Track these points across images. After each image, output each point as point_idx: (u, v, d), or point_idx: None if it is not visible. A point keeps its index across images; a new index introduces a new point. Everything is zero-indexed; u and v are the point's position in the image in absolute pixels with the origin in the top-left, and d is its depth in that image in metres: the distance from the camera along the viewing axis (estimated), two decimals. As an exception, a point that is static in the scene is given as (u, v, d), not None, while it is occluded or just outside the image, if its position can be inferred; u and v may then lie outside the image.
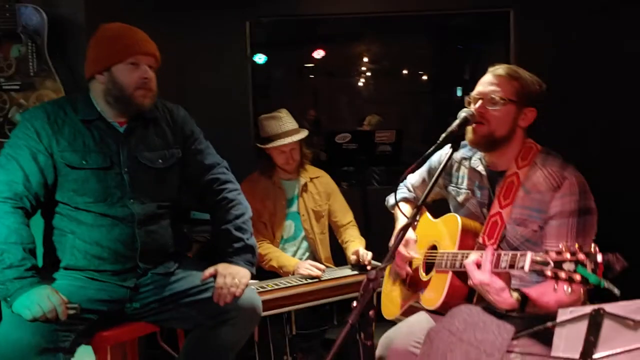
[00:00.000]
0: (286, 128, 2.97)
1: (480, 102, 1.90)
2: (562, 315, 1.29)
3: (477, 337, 1.27)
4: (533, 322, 1.59)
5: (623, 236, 2.22)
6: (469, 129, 1.91)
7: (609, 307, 1.28)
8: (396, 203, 2.27)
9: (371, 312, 1.50)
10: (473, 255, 1.78)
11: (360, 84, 7.82)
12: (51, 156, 2.05)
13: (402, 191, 2.46)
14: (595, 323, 1.29)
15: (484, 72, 1.99)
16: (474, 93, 1.94)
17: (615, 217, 1.92)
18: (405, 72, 7.73)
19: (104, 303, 2.06)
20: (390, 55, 7.48)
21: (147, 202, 2.15)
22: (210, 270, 2.17)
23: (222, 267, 2.16)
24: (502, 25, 3.99)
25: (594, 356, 1.32)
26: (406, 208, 2.41)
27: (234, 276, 2.12)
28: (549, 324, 1.31)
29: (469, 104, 1.95)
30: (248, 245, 2.25)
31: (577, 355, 1.32)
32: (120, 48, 2.07)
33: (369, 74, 7.71)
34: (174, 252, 2.26)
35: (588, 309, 1.28)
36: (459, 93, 6.90)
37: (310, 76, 7.89)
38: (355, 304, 1.49)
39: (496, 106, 1.88)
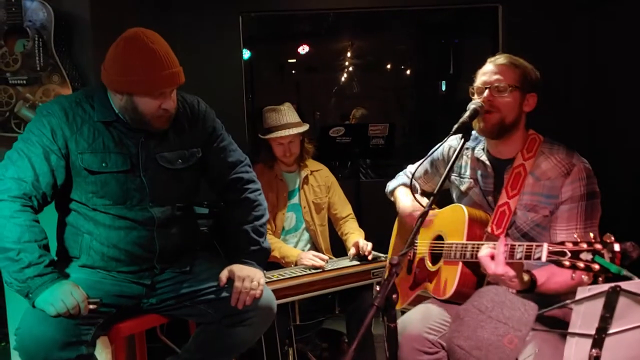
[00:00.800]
0: (284, 121, 3.01)
1: (487, 91, 1.97)
2: (581, 293, 1.36)
3: (504, 314, 1.34)
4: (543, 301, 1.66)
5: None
6: (477, 119, 1.97)
7: (624, 285, 1.36)
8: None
9: (394, 296, 1.56)
10: (485, 249, 1.83)
11: (343, 79, 7.87)
12: (65, 157, 2.00)
13: (402, 178, 2.53)
14: (611, 300, 1.36)
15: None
16: (477, 83, 2.02)
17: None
18: (389, 66, 7.79)
19: (120, 298, 2.06)
20: (374, 50, 7.54)
21: (167, 205, 2.12)
22: (224, 274, 2.13)
23: (238, 270, 2.12)
24: (487, 20, 4.06)
25: (609, 332, 1.40)
26: (406, 191, 2.45)
27: (252, 279, 2.09)
28: (569, 302, 1.39)
29: (473, 94, 2.02)
30: (264, 249, 2.26)
31: (593, 332, 1.40)
32: (144, 82, 1.94)
33: (352, 69, 7.76)
34: (191, 250, 2.26)
35: (606, 286, 1.35)
36: (444, 87, 6.99)
37: (293, 72, 7.92)
38: (378, 287, 1.55)
39: (504, 93, 1.96)
